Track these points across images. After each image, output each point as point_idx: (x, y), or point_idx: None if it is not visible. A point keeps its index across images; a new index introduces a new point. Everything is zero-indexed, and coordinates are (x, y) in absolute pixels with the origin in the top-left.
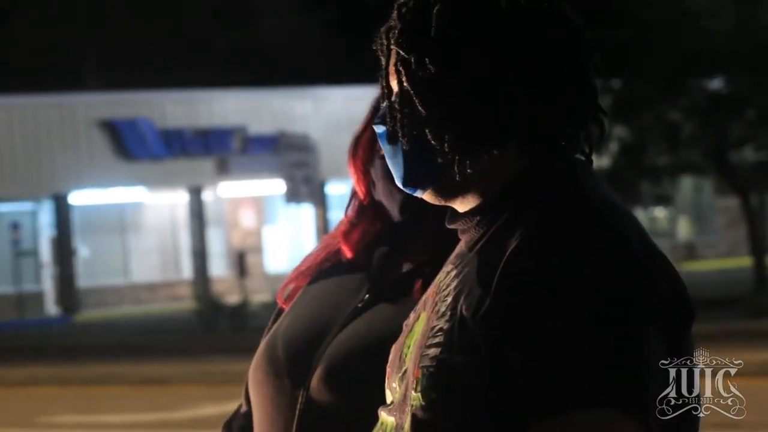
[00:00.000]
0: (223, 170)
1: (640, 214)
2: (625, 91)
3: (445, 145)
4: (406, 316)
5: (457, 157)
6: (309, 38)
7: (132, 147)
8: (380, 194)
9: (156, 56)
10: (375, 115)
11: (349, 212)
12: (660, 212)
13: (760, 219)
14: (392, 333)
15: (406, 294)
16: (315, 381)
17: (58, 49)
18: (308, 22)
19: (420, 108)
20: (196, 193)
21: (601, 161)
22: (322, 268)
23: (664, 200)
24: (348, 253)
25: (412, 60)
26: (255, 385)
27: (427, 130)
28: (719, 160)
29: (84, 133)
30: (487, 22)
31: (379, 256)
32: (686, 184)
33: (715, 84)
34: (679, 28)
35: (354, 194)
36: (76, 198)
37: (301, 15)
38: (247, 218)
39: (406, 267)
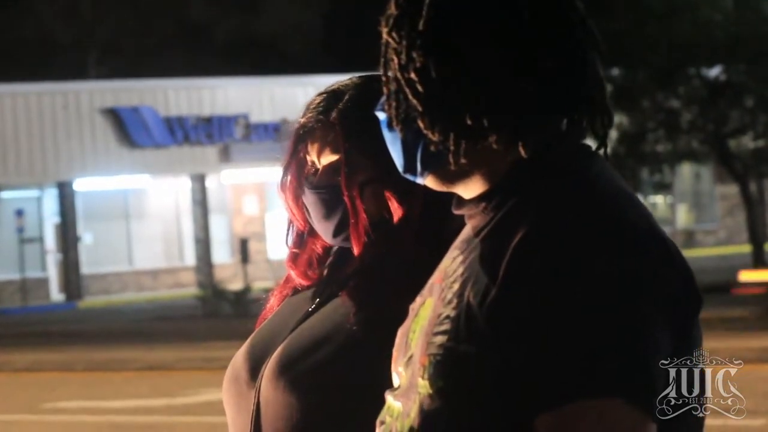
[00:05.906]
0: (226, 157)
1: None
2: (624, 80)
3: (437, 134)
4: (339, 316)
5: (450, 147)
6: (311, 26)
7: (135, 135)
8: (313, 221)
9: (159, 45)
10: (296, 145)
11: (290, 243)
12: (659, 200)
13: (759, 206)
14: (327, 331)
15: (337, 295)
16: (264, 381)
17: (62, 38)
18: (310, 10)
19: (410, 97)
20: (199, 180)
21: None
22: (287, 293)
23: (663, 188)
24: (299, 280)
25: (402, 50)
26: (224, 394)
27: (418, 120)
28: (718, 148)
29: (88, 121)
30: (480, 11)
31: (328, 265)
32: (685, 171)
33: (714, 72)
34: (678, 17)
35: (291, 223)
36: (80, 185)
37: (303, 2)
38: (249, 205)
39: (346, 271)
